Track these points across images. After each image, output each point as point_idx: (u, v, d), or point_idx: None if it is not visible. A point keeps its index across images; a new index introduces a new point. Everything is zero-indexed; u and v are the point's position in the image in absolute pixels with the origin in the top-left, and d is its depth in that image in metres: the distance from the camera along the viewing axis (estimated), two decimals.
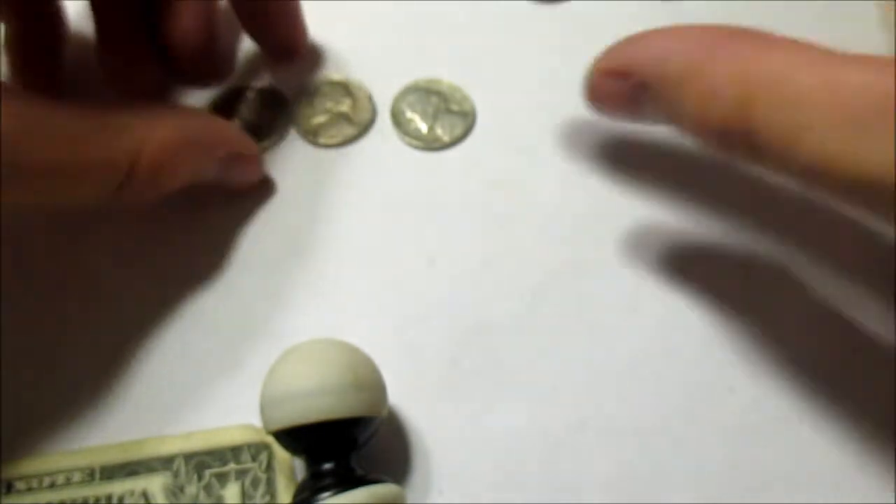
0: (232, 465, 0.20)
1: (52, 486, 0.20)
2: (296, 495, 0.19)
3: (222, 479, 0.20)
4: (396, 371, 0.22)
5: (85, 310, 0.23)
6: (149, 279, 0.24)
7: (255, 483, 0.20)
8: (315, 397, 0.18)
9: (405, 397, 0.22)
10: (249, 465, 0.20)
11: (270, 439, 0.20)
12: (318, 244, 0.24)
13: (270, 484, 0.20)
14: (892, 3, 0.27)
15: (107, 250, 0.24)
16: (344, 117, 0.25)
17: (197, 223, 0.24)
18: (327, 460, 0.19)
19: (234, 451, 0.20)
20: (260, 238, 0.24)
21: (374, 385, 0.20)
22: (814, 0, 0.27)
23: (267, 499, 0.20)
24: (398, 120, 0.25)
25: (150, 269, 0.24)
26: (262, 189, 0.25)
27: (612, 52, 0.19)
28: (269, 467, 0.20)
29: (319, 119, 0.25)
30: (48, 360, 0.22)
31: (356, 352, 0.20)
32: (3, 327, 0.23)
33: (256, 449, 0.20)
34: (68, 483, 0.20)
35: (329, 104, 0.25)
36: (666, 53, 0.18)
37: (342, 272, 0.24)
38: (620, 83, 0.19)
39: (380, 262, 0.24)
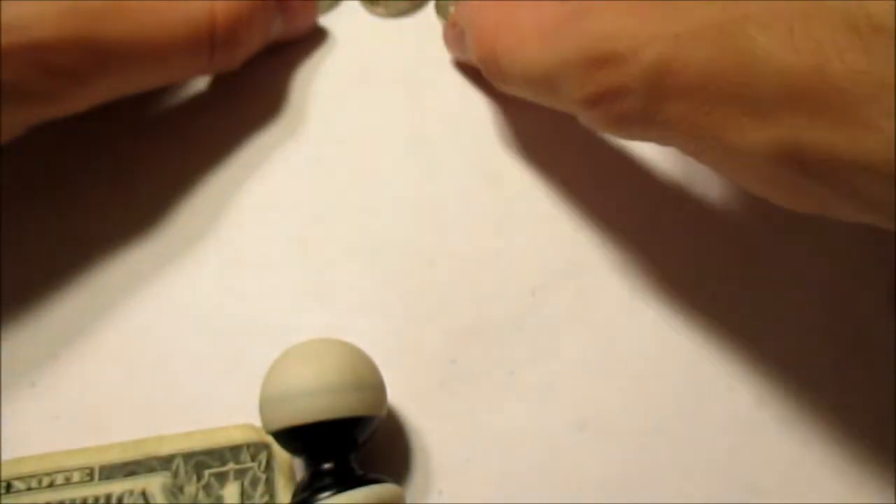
0: (231, 465, 0.20)
1: (52, 485, 0.20)
2: (295, 495, 0.19)
3: (221, 478, 0.20)
4: (396, 371, 0.22)
5: (84, 310, 0.23)
6: (150, 274, 0.24)
7: (254, 483, 0.20)
8: (314, 397, 0.18)
9: (405, 397, 0.22)
10: (248, 464, 0.20)
11: (270, 439, 0.20)
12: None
13: (269, 483, 0.20)
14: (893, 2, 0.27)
15: (109, 250, 0.24)
16: None
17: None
18: (327, 460, 0.19)
19: (234, 451, 0.20)
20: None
21: (373, 385, 0.19)
22: None
23: (266, 498, 0.20)
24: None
25: (151, 262, 0.24)
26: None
27: (454, 8, 0.25)
28: (269, 467, 0.20)
29: None
30: (48, 358, 0.22)
31: (356, 352, 0.20)
32: (2, 327, 0.23)
33: (256, 449, 0.20)
34: (67, 483, 0.20)
35: None
36: (465, 13, 0.24)
37: (342, 272, 0.24)
38: (454, 30, 0.25)
39: (380, 262, 0.24)
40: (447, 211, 0.24)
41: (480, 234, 0.24)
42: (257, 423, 0.20)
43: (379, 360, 0.20)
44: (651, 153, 0.25)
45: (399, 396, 0.22)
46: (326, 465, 0.19)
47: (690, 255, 0.24)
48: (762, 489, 0.21)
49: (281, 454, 0.20)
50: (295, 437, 0.19)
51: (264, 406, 0.19)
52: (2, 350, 0.23)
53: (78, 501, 0.20)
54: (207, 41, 0.23)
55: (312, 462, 0.19)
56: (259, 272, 0.24)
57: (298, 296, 0.23)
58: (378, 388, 0.20)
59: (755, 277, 0.23)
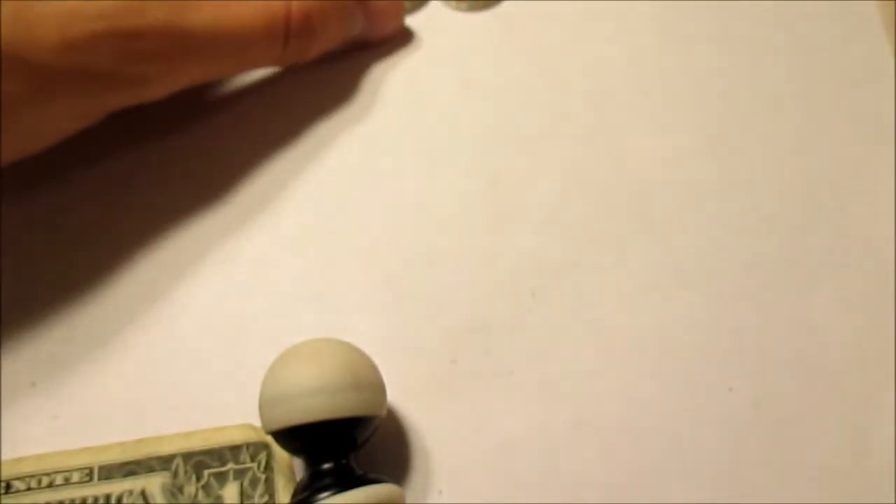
0: (231, 465, 0.20)
1: (51, 485, 0.20)
2: (295, 495, 0.19)
3: (221, 478, 0.20)
4: (396, 371, 0.22)
5: (84, 310, 0.23)
6: (150, 274, 0.24)
7: (253, 483, 0.20)
8: (314, 397, 0.18)
9: (405, 397, 0.22)
10: (248, 464, 0.20)
11: (269, 439, 0.20)
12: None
13: (269, 484, 0.20)
14: (893, 2, 0.27)
15: (109, 250, 0.24)
16: None
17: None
18: (326, 460, 0.19)
19: (233, 451, 0.20)
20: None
21: (373, 385, 0.19)
22: (814, 0, 0.27)
23: (266, 499, 0.20)
24: None
25: (151, 262, 0.24)
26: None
27: None
28: (268, 467, 0.20)
29: None
30: (48, 358, 0.22)
31: (356, 352, 0.20)
32: (2, 327, 0.23)
33: (255, 449, 0.20)
34: (67, 483, 0.20)
35: None
36: None
37: (342, 272, 0.24)
38: None
39: (380, 262, 0.24)
40: (447, 211, 0.24)
41: (480, 234, 0.24)
42: (257, 423, 0.20)
43: (379, 360, 0.20)
44: (651, 152, 0.25)
45: (399, 396, 0.22)
46: (326, 465, 0.19)
47: (690, 256, 0.24)
48: (762, 489, 0.21)
49: (281, 454, 0.20)
50: (295, 437, 0.19)
51: (264, 406, 0.19)
52: (2, 350, 0.22)
53: (77, 501, 0.20)
54: (282, 31, 0.23)
55: (312, 462, 0.19)
56: (259, 272, 0.24)
57: (298, 296, 0.23)
58: (378, 388, 0.20)
59: (755, 277, 0.23)
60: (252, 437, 0.20)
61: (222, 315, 0.23)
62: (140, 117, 0.26)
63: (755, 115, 0.26)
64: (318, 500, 0.18)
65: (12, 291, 0.23)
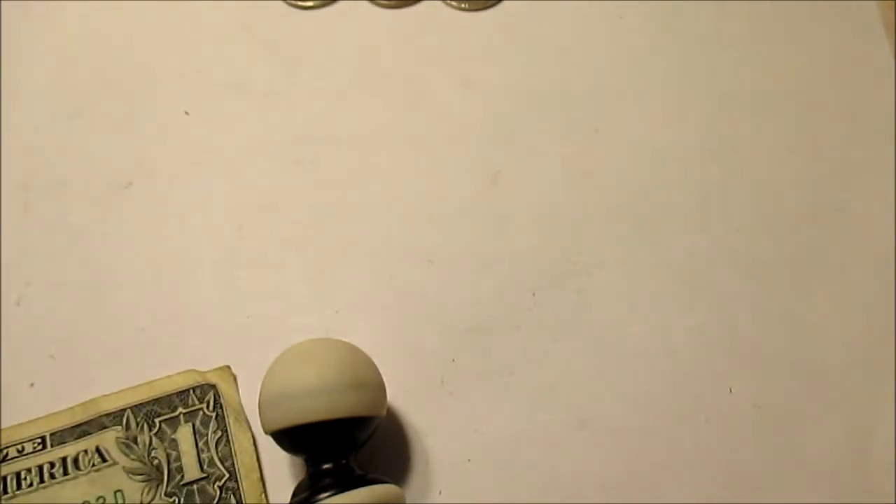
0: (180, 410, 0.21)
1: (5, 459, 0.20)
2: (295, 495, 0.19)
3: (172, 423, 0.21)
4: (396, 371, 0.22)
5: (83, 310, 0.23)
6: (150, 274, 0.24)
7: (204, 422, 0.21)
8: (314, 397, 0.18)
9: (405, 397, 0.22)
10: (197, 406, 0.21)
11: (214, 378, 0.20)
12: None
13: (220, 420, 0.21)
14: (893, 2, 0.27)
15: (109, 249, 0.24)
16: None
17: None
18: (327, 460, 0.19)
19: (181, 396, 0.21)
20: None
21: (373, 385, 0.19)
22: (814, 0, 0.27)
23: (219, 434, 0.20)
24: None
25: (151, 262, 0.24)
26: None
27: None
28: (217, 404, 0.21)
29: None
30: (47, 359, 0.22)
31: (356, 352, 0.20)
32: (2, 327, 0.23)
33: (202, 391, 0.21)
34: (21, 454, 0.20)
35: None
36: None
37: (342, 272, 0.24)
38: None
39: (380, 262, 0.24)
40: (447, 211, 0.24)
41: (480, 234, 0.24)
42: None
43: (379, 360, 0.20)
44: (651, 152, 0.25)
45: (399, 396, 0.22)
46: (326, 466, 0.19)
47: (690, 256, 0.24)
48: (761, 489, 0.21)
49: (227, 390, 0.21)
50: (295, 438, 0.19)
51: (264, 406, 0.19)
52: (1, 350, 0.22)
53: (34, 469, 0.20)
54: None
55: (312, 462, 0.19)
56: (258, 272, 0.24)
57: (298, 296, 0.23)
58: (378, 388, 0.20)
59: (755, 277, 0.23)
60: (196, 380, 0.21)
61: (222, 315, 0.23)
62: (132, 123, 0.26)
63: (755, 115, 0.26)
64: (318, 500, 0.18)
65: (12, 291, 0.23)
